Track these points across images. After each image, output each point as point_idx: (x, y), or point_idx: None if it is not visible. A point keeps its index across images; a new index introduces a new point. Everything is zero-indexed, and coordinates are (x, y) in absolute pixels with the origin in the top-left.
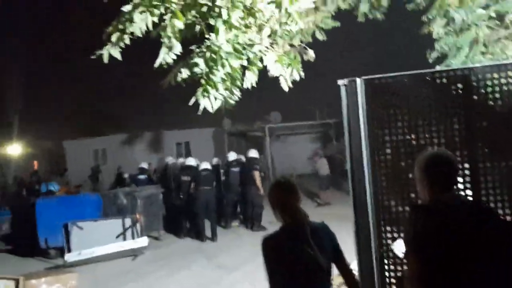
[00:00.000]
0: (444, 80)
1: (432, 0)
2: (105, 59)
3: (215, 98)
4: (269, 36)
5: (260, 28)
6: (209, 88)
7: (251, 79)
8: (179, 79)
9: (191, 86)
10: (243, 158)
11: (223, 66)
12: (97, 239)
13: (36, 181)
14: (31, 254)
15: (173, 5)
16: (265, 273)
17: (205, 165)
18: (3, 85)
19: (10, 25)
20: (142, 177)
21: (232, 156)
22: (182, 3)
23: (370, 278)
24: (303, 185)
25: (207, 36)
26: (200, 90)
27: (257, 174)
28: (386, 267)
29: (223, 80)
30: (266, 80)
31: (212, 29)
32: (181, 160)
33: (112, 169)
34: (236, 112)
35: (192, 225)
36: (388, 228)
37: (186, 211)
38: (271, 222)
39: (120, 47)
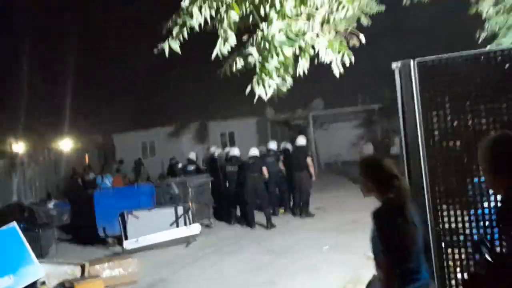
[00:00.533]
0: (499, 59)
1: None
2: (166, 53)
3: (269, 86)
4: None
5: (309, 17)
6: (263, 76)
7: (303, 66)
8: (234, 69)
9: (234, 78)
10: (287, 146)
11: (277, 55)
12: (151, 227)
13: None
14: (91, 243)
15: None
16: (373, 249)
17: (253, 152)
18: (54, 82)
19: (59, 25)
20: (190, 167)
21: (271, 145)
22: None
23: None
24: (349, 171)
25: (260, 26)
26: (255, 78)
27: (309, 161)
28: (442, 244)
29: (277, 69)
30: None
31: (265, 19)
32: (226, 149)
33: (159, 161)
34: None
35: (242, 212)
36: (444, 207)
37: (235, 199)
38: (318, 208)
39: (180, 41)
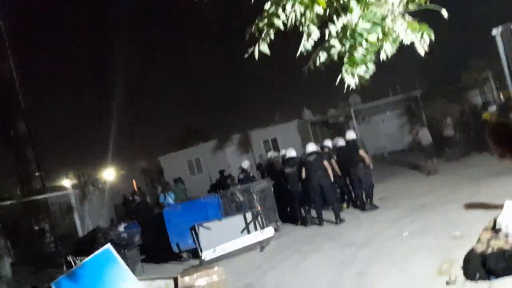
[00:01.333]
0: None
1: None
2: (256, 56)
3: (357, 75)
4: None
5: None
6: (351, 65)
7: (388, 51)
8: (317, 63)
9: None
10: (339, 142)
11: (363, 42)
12: (224, 236)
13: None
14: (165, 260)
15: None
16: None
17: (311, 148)
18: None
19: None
20: (241, 176)
21: (326, 142)
22: None
23: None
24: (400, 160)
25: (341, 16)
26: (344, 68)
27: (363, 153)
28: None
29: (364, 56)
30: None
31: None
32: (282, 152)
33: (207, 176)
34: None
35: (305, 212)
36: None
37: (301, 200)
38: (381, 198)
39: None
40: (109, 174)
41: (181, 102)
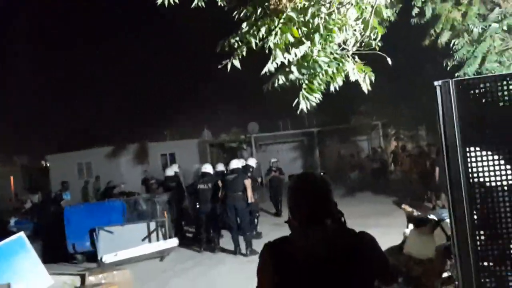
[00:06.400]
0: None
1: (437, 15)
2: (228, 68)
3: (312, 101)
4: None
5: (345, 41)
6: (308, 91)
7: (338, 84)
8: (276, 85)
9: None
10: (221, 168)
11: (323, 73)
12: (125, 242)
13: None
14: (54, 261)
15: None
16: None
17: (236, 164)
18: None
19: None
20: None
21: (233, 164)
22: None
23: (465, 240)
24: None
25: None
26: (301, 93)
27: (247, 182)
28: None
29: (319, 85)
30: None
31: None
32: (196, 166)
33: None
34: (215, 123)
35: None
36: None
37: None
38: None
39: (238, 58)
40: None
41: (81, 102)
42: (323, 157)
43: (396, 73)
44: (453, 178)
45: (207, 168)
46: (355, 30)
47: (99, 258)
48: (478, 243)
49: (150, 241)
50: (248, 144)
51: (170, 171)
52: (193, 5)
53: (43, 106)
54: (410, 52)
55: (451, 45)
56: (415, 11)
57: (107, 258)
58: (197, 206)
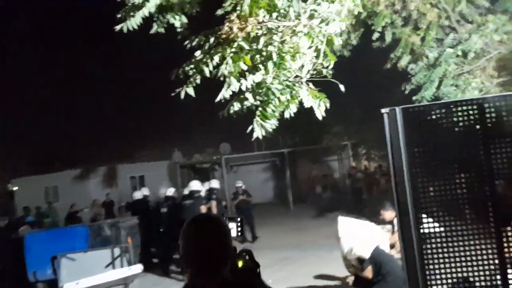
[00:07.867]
0: (464, 108)
1: (397, 40)
2: (182, 96)
3: (266, 127)
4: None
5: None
6: (262, 118)
7: (292, 110)
8: (231, 111)
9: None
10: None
11: (277, 100)
12: (88, 269)
13: None
14: None
15: (233, 50)
16: None
17: (196, 186)
18: None
19: None
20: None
21: (193, 185)
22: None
23: (411, 252)
24: (263, 212)
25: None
26: (255, 120)
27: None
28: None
29: (273, 112)
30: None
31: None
32: (161, 190)
33: (64, 207)
34: (186, 145)
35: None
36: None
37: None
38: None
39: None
40: None
41: (47, 124)
42: (295, 177)
43: (367, 94)
44: (400, 198)
45: (172, 191)
46: (308, 57)
47: (59, 286)
48: (426, 261)
49: (114, 267)
50: (219, 165)
51: (139, 194)
52: (152, 31)
53: (9, 128)
54: (383, 73)
55: (409, 69)
56: (376, 36)
57: (68, 287)
58: (161, 230)
